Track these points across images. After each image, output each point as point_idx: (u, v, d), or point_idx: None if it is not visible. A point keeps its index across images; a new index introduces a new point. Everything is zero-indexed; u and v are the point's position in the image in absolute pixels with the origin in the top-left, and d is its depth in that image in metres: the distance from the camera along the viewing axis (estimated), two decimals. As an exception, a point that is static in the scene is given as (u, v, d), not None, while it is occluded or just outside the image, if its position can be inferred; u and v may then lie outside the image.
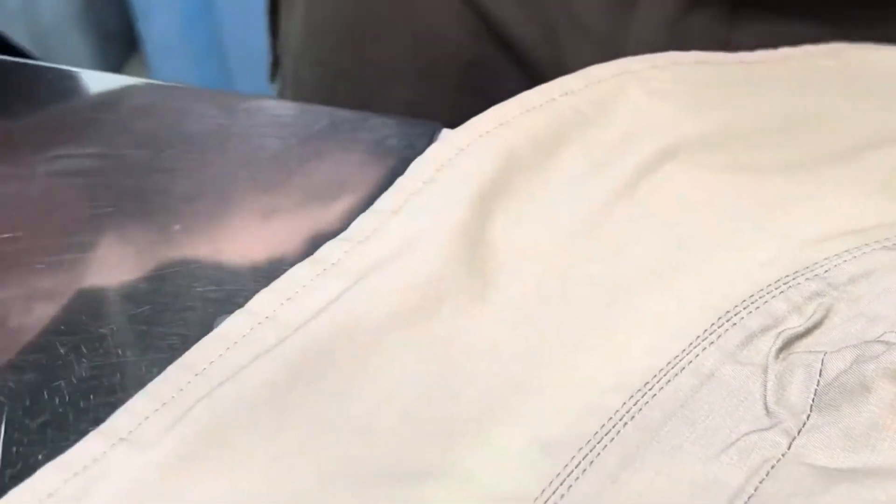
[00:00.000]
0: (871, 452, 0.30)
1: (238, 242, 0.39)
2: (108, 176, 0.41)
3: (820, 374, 0.32)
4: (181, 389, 0.31)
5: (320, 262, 0.36)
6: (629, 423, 0.32)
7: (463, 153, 0.38)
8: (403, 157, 0.42)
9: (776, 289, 0.35)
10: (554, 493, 0.30)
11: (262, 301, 0.34)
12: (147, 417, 0.30)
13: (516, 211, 0.38)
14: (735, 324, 0.34)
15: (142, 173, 0.42)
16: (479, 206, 0.37)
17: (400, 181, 0.38)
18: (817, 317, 0.34)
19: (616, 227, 0.37)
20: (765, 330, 0.34)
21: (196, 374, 0.31)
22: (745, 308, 0.35)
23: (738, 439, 0.31)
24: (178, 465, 0.29)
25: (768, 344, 0.34)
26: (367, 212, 0.38)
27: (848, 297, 0.35)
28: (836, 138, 0.42)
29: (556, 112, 0.40)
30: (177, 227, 0.40)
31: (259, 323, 0.33)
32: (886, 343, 0.33)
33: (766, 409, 0.31)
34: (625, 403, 0.32)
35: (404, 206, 0.38)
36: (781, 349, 0.33)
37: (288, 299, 0.34)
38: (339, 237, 0.37)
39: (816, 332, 0.34)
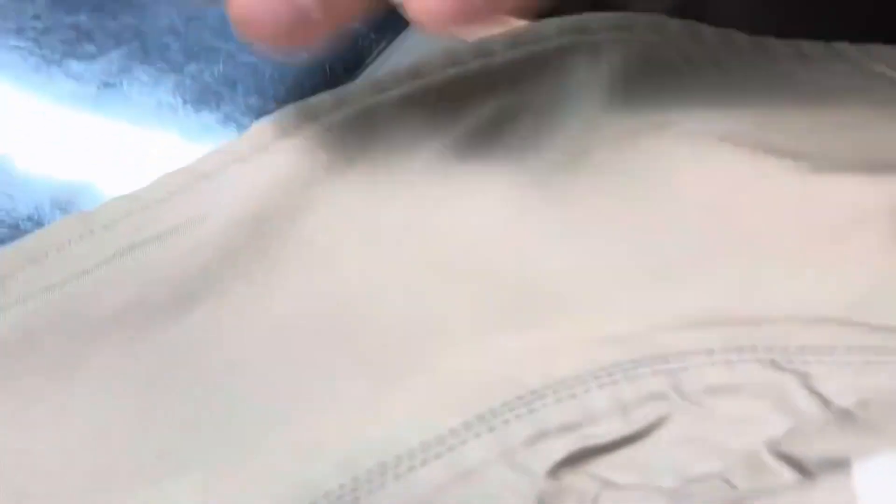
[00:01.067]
0: None
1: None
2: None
3: (587, 516, 0.24)
4: None
5: (88, 222, 0.30)
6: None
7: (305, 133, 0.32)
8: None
9: (608, 375, 0.27)
10: None
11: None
12: None
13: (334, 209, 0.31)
14: (533, 411, 0.27)
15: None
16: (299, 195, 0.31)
17: (233, 142, 0.32)
18: (642, 426, 0.26)
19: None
20: (566, 429, 0.26)
21: None
22: (553, 392, 0.27)
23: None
24: None
25: (561, 450, 0.26)
26: (177, 170, 0.31)
27: (695, 411, 0.26)
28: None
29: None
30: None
31: None
32: (711, 482, 0.25)
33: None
34: (342, 486, 0.26)
35: (223, 171, 0.31)
36: (567, 462, 0.25)
37: (32, 261, 0.29)
38: (129, 194, 0.31)
39: (630, 448, 0.26)
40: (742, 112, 0.33)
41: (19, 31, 0.36)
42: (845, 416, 0.24)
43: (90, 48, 0.36)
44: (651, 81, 0.33)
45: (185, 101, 0.36)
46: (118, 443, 0.27)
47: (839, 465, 0.24)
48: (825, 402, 0.26)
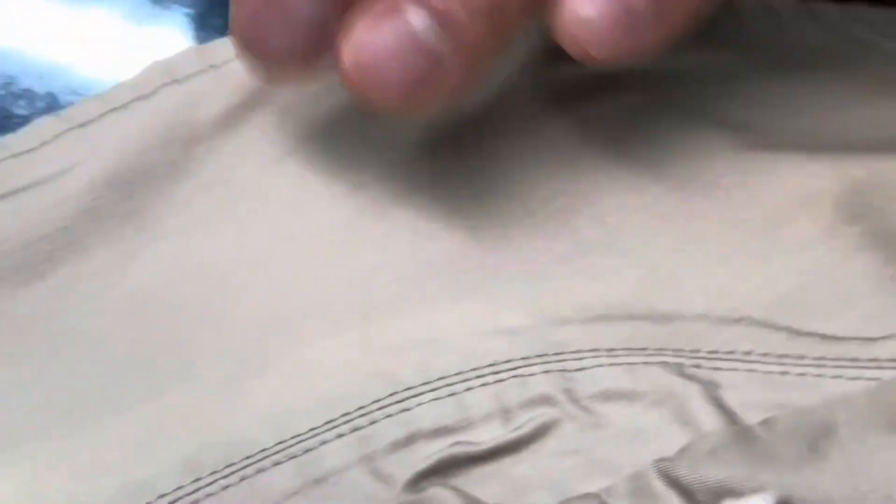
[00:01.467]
0: None
1: None
2: None
3: (444, 536, 0.21)
4: None
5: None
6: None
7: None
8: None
9: (493, 373, 0.24)
10: None
11: None
12: None
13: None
14: (405, 410, 0.24)
15: None
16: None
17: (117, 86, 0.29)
18: (523, 433, 0.23)
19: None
20: (439, 433, 0.23)
21: None
22: (431, 391, 0.24)
23: None
24: None
25: (429, 458, 0.23)
26: (52, 116, 0.28)
27: (584, 418, 0.23)
28: None
29: None
30: None
31: None
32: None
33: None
34: (180, 488, 0.23)
35: (100, 121, 0.28)
36: (433, 472, 0.23)
37: None
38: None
39: (507, 459, 0.23)
40: (692, 75, 0.30)
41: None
42: (745, 437, 0.21)
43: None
44: None
45: None
46: None
47: (732, 495, 0.21)
48: (730, 416, 0.23)
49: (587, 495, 0.22)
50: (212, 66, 0.29)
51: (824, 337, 0.24)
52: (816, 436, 0.20)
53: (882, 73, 0.29)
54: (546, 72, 0.28)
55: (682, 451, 0.22)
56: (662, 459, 0.22)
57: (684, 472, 0.21)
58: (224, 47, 0.29)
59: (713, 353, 0.24)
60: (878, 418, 0.20)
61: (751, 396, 0.23)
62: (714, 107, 0.29)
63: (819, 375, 0.23)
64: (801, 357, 0.23)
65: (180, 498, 0.23)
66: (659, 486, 0.21)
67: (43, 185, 0.27)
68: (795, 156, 0.27)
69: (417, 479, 0.23)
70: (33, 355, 0.25)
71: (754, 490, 0.20)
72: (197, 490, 0.23)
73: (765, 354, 0.24)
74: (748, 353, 0.24)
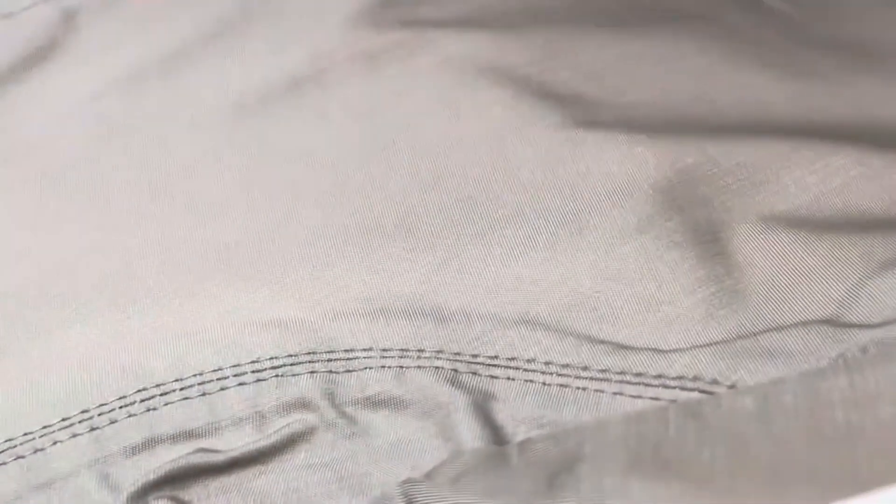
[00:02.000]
0: None
1: None
2: None
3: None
4: None
5: None
6: None
7: None
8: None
9: (254, 371, 0.22)
10: None
11: None
12: None
13: None
14: (150, 409, 0.21)
15: None
16: None
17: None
18: (275, 441, 0.21)
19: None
20: (182, 437, 0.21)
21: None
22: (182, 389, 0.22)
23: None
24: None
25: (164, 466, 0.21)
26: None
27: (343, 427, 0.21)
28: None
29: None
30: None
31: None
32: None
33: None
34: None
35: None
36: (164, 483, 0.20)
37: None
38: None
39: (250, 470, 0.21)
40: (531, 36, 0.27)
41: None
42: (493, 462, 0.19)
43: None
44: None
45: None
46: None
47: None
48: (496, 432, 0.20)
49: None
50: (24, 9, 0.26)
51: (616, 346, 0.21)
52: (559, 469, 0.18)
53: (755, 36, 0.26)
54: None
55: (430, 473, 0.20)
56: (409, 481, 0.20)
57: (426, 499, 0.19)
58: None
59: (493, 359, 0.21)
60: (621, 456, 0.17)
61: (523, 411, 0.21)
62: (551, 74, 0.26)
63: (599, 391, 0.20)
64: (585, 368, 0.21)
65: None
66: (399, 511, 0.19)
67: None
68: (622, 136, 0.24)
69: (146, 489, 0.20)
70: None
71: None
72: None
73: (547, 363, 0.21)
74: (531, 360, 0.21)
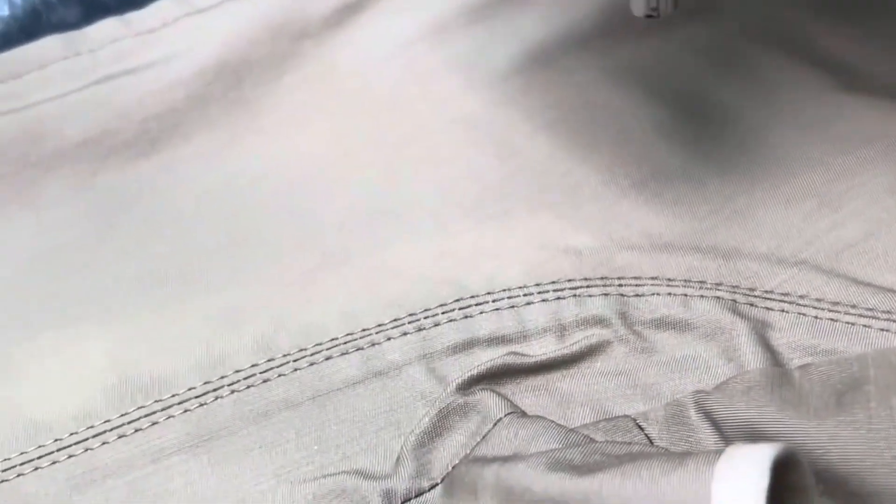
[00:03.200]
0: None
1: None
2: None
3: (483, 440, 0.23)
4: None
5: (76, 43, 0.29)
6: (240, 392, 0.25)
7: None
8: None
9: (555, 290, 0.26)
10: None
11: None
12: None
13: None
14: (468, 317, 0.25)
15: None
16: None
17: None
18: (575, 350, 0.25)
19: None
20: (496, 341, 0.25)
21: None
22: (493, 301, 0.26)
23: (335, 473, 0.23)
24: None
25: (483, 364, 0.25)
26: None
27: (634, 342, 0.25)
28: None
29: None
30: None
31: None
32: (628, 422, 0.23)
33: (400, 453, 0.23)
34: (255, 365, 0.25)
35: (218, 7, 0.30)
36: (484, 379, 0.24)
37: (12, 75, 0.29)
38: (125, 16, 0.30)
39: (554, 373, 0.25)
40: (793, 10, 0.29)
41: None
42: (781, 380, 0.22)
43: None
44: None
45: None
46: (48, 279, 0.27)
47: (756, 435, 0.22)
48: (774, 356, 0.24)
49: (624, 417, 0.23)
50: None
51: (880, 288, 0.24)
52: (845, 389, 0.21)
53: None
54: None
55: (721, 387, 0.23)
56: (700, 392, 0.23)
57: (718, 407, 0.22)
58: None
59: (768, 294, 0.25)
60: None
61: (798, 340, 0.24)
62: (815, 44, 0.29)
63: (867, 326, 0.23)
64: (853, 306, 0.24)
65: (253, 374, 0.25)
66: (693, 416, 0.23)
67: (158, 65, 0.29)
68: (887, 102, 0.27)
69: (469, 382, 0.24)
70: (133, 229, 0.27)
71: (778, 433, 0.21)
72: (269, 370, 0.25)
73: (818, 300, 0.24)
74: (803, 296, 0.24)
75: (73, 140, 0.28)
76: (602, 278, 0.25)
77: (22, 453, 0.24)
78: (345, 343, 0.25)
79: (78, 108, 0.28)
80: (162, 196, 0.28)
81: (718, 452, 0.19)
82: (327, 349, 0.25)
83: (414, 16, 0.30)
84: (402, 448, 0.23)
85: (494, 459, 0.22)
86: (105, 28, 0.29)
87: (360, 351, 0.25)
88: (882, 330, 0.24)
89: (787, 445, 0.18)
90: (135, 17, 0.30)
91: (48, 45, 0.29)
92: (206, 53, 0.29)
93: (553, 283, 0.26)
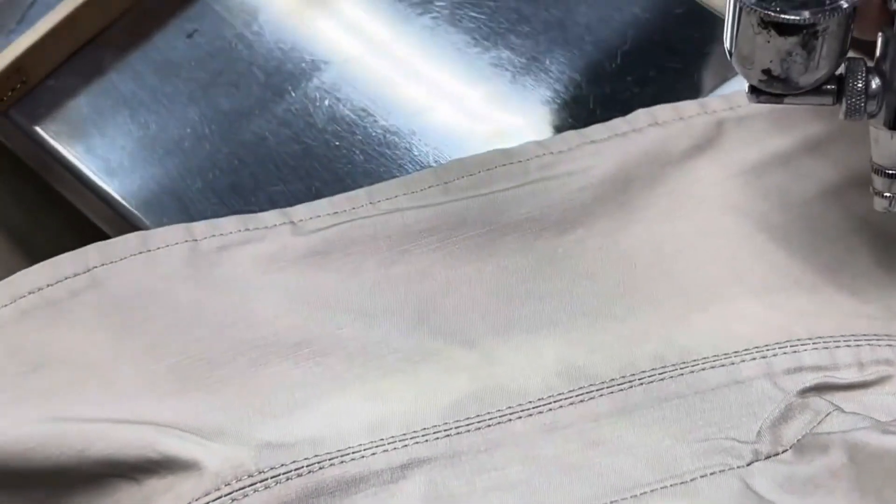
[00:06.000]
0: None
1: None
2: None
3: (819, 423, 0.36)
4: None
5: (511, 156, 0.44)
6: (647, 384, 0.38)
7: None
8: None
9: (855, 340, 0.39)
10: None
11: None
12: None
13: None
14: (796, 351, 0.39)
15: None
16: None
17: (616, 121, 0.45)
18: (870, 378, 0.38)
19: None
20: (816, 369, 0.38)
21: None
22: (813, 344, 0.39)
23: (716, 438, 0.37)
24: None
25: (810, 381, 0.38)
26: (574, 132, 0.45)
27: (913, 376, 0.38)
28: None
29: None
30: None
31: None
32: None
33: (759, 429, 0.37)
34: (653, 369, 0.39)
35: (607, 140, 0.45)
36: (812, 389, 0.38)
37: (466, 173, 0.44)
38: (541, 141, 0.45)
39: (858, 392, 0.38)
40: None
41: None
42: None
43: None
44: None
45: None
46: (508, 301, 0.41)
47: None
48: None
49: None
50: (681, 119, 0.45)
51: None
52: None
53: None
54: None
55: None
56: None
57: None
58: (693, 106, 0.45)
59: None
60: None
61: None
62: None
63: None
64: None
65: (653, 375, 0.38)
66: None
67: (571, 175, 0.44)
68: None
69: (804, 391, 0.37)
70: (558, 277, 0.41)
71: None
72: (664, 373, 0.38)
73: None
74: None
75: (521, 217, 0.42)
76: (887, 335, 0.39)
77: (515, 405, 0.37)
78: (712, 361, 0.39)
79: (522, 196, 0.43)
80: (577, 258, 0.42)
81: None
82: (701, 364, 0.39)
83: (741, 154, 0.44)
84: (760, 427, 0.37)
85: (835, 433, 0.35)
86: (529, 148, 0.44)
87: (723, 367, 0.39)
88: None
89: None
90: (548, 142, 0.45)
91: (491, 156, 0.44)
92: (601, 170, 0.43)
93: (853, 335, 0.39)
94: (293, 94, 0.47)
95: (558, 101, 0.48)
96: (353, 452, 0.36)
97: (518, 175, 0.44)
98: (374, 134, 0.46)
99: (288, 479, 0.35)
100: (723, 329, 0.39)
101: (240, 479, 0.35)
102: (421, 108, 0.47)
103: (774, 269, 0.41)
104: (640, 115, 0.45)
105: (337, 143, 0.46)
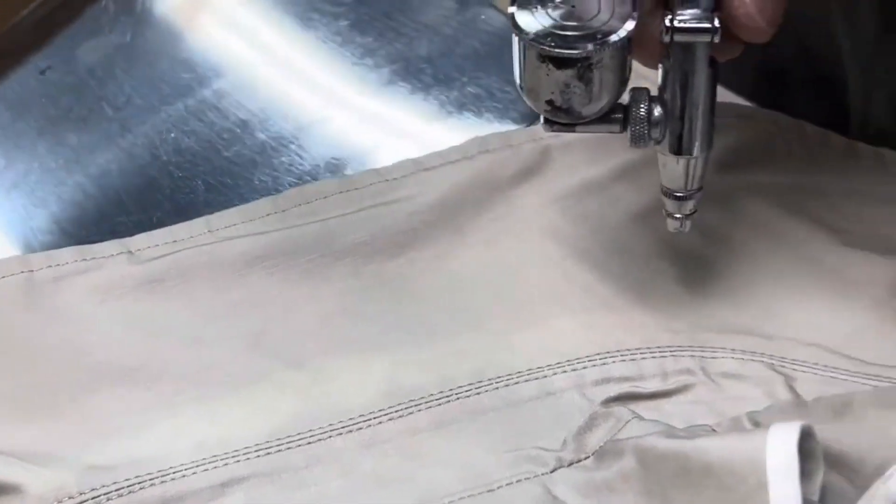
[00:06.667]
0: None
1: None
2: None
3: (620, 431, 0.38)
4: None
5: (349, 184, 0.46)
6: (463, 399, 0.40)
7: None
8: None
9: (660, 352, 0.41)
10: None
11: None
12: None
13: None
14: (605, 364, 0.41)
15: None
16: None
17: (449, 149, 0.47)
18: (672, 388, 0.40)
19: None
20: (623, 380, 0.41)
21: None
22: (621, 356, 0.41)
23: (525, 448, 0.39)
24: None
25: (615, 391, 0.40)
26: (409, 160, 0.47)
27: (710, 386, 0.40)
28: None
29: None
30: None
31: None
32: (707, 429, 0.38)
33: (565, 438, 0.39)
34: (471, 384, 0.41)
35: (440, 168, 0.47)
36: (617, 399, 0.40)
37: (305, 201, 0.45)
38: (378, 169, 0.47)
39: (660, 400, 0.40)
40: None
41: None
42: (801, 405, 0.38)
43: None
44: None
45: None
46: (339, 323, 0.43)
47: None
48: (796, 396, 0.39)
49: (703, 426, 0.39)
50: (510, 146, 0.47)
51: (864, 362, 0.40)
52: (841, 409, 0.36)
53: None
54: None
55: (766, 409, 0.38)
56: (752, 411, 0.38)
57: (763, 419, 0.38)
58: (523, 134, 0.47)
59: (794, 360, 0.40)
60: (880, 401, 0.36)
61: (811, 387, 0.39)
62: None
63: (855, 381, 0.39)
64: (845, 371, 0.40)
65: (470, 389, 0.40)
66: (747, 424, 0.38)
67: (403, 201, 0.46)
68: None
69: (608, 401, 0.40)
70: (388, 299, 0.44)
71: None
72: (480, 388, 0.41)
73: (825, 367, 0.40)
74: (816, 363, 0.40)
75: (353, 242, 0.44)
76: (689, 346, 0.41)
77: (336, 422, 0.39)
78: (528, 374, 0.41)
79: (356, 222, 0.45)
80: (406, 281, 0.44)
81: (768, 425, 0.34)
82: (516, 378, 0.41)
83: (563, 181, 0.47)
84: (566, 436, 0.39)
85: (629, 439, 0.37)
86: (366, 176, 0.46)
87: (537, 380, 0.41)
88: (864, 384, 0.39)
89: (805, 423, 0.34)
90: (383, 170, 0.47)
91: (331, 183, 0.46)
92: (431, 196, 0.46)
93: (658, 347, 0.41)
94: (141, 127, 0.49)
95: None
96: (174, 472, 0.37)
97: (353, 202, 0.46)
98: (217, 165, 0.48)
99: (108, 500, 0.36)
100: (539, 346, 0.42)
101: (61, 501, 0.36)
102: (266, 142, 0.49)
103: (588, 291, 0.43)
104: (472, 143, 0.47)
105: (181, 175, 0.47)
